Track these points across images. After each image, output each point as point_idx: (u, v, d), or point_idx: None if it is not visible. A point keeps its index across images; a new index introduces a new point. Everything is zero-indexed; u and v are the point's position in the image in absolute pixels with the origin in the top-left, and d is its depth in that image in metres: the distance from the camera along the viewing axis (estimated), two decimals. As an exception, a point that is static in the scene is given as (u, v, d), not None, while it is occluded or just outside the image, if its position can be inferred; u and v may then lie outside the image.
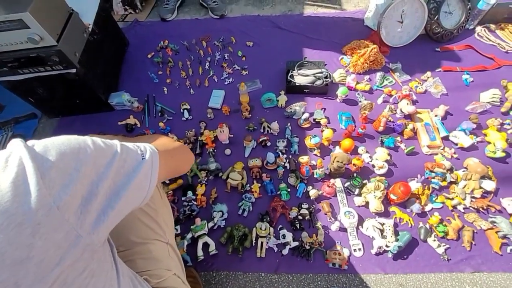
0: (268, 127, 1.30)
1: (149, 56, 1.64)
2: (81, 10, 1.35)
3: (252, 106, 1.40)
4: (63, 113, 1.46)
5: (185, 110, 1.39)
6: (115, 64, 1.58)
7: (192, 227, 1.05)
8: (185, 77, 1.53)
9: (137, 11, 1.92)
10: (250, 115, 1.36)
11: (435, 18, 1.49)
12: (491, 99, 1.30)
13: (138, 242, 0.65)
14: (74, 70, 1.17)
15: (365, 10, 1.71)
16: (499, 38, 1.56)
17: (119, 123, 1.37)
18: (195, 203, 1.12)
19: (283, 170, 1.17)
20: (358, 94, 1.40)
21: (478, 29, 1.58)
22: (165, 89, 1.49)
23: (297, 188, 1.14)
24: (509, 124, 1.24)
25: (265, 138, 1.26)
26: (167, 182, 1.18)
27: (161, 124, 1.31)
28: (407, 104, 1.26)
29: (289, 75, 1.40)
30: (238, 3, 1.93)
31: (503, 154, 1.14)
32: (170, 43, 1.68)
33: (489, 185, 1.07)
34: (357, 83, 1.42)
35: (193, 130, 1.30)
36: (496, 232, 1.00)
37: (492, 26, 1.59)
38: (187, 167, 0.69)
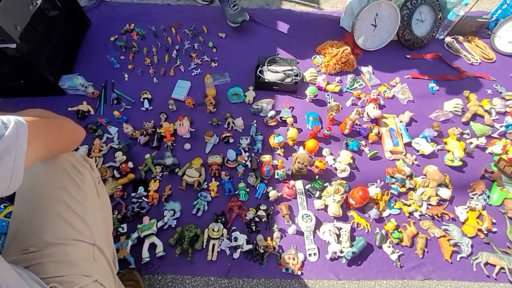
0: (233, 123, 1.24)
1: (112, 39, 1.52)
2: (30, -20, 1.21)
3: (218, 100, 1.33)
4: (6, 93, 1.30)
5: (146, 100, 1.29)
6: (72, 44, 1.43)
7: (139, 226, 0.97)
8: (150, 64, 1.43)
9: (103, -11, 1.77)
10: (215, 110, 1.29)
11: (407, 25, 1.49)
12: (453, 108, 1.33)
13: (53, 242, 0.56)
14: (14, 46, 1.04)
15: (342, 11, 1.70)
16: (465, 50, 1.60)
17: (70, 109, 1.24)
18: (146, 200, 1.04)
19: (243, 168, 1.11)
20: (328, 95, 1.38)
21: (448, 39, 1.62)
22: (126, 75, 1.38)
23: (257, 188, 1.09)
24: (468, 134, 1.27)
25: (228, 134, 1.19)
26: (117, 176, 1.09)
27: (116, 113, 1.20)
28: (374, 108, 1.25)
29: (258, 70, 1.35)
30: (215, -8, 1.84)
31: (460, 163, 1.16)
32: (136, 27, 1.56)
33: (445, 193, 1.08)
34: (328, 83, 1.40)
35: (152, 121, 1.21)
36: (448, 240, 1.01)
37: (460, 38, 1.63)
38: (71, 143, 0.62)
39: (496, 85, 1.44)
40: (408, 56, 1.55)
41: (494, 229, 1.04)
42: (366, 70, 1.46)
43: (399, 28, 1.50)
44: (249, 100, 1.32)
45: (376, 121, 1.30)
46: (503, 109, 1.34)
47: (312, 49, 1.55)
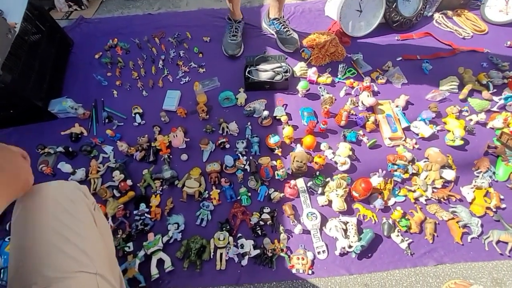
0: (227, 127, 1.22)
1: (97, 56, 1.50)
2: (6, 9, 1.20)
3: (210, 106, 1.31)
4: (-3, 125, 1.30)
5: (137, 114, 1.28)
6: (57, 67, 1.42)
7: (144, 243, 0.96)
8: (137, 78, 1.41)
9: (83, 7, 1.75)
10: (208, 116, 1.28)
11: (393, 6, 1.46)
12: (449, 86, 1.30)
13: (55, 277, 0.56)
14: (-3, 77, 1.03)
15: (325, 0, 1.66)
16: (456, 24, 1.56)
17: (62, 133, 1.23)
18: (148, 216, 1.03)
19: (243, 173, 1.10)
20: (320, 87, 1.35)
21: (436, 16, 1.58)
22: (115, 92, 1.36)
23: (258, 191, 1.07)
24: (467, 111, 1.24)
25: (224, 140, 1.18)
26: (117, 195, 1.08)
27: (109, 132, 1.19)
28: (368, 96, 1.23)
29: (247, 71, 1.32)
30: (195, -4, 1.82)
31: (462, 142, 1.14)
32: (120, 41, 1.54)
33: (449, 174, 1.06)
34: (319, 76, 1.37)
35: (146, 135, 1.20)
36: (457, 222, 0.99)
37: (449, 13, 1.59)
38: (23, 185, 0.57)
39: (491, 57, 1.41)
40: (398, 38, 1.52)
41: (503, 206, 1.02)
42: (356, 57, 1.43)
43: (385, 10, 1.47)
44: (241, 103, 1.30)
45: (371, 109, 1.27)
46: (500, 81, 1.31)
47: (299, 42, 1.52)
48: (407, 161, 1.10)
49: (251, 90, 1.34)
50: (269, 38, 1.56)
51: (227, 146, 1.19)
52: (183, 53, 1.49)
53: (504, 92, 1.23)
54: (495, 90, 1.29)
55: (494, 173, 1.09)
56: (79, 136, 1.24)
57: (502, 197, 1.04)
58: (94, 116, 1.30)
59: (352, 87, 1.34)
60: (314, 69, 1.36)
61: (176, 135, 1.14)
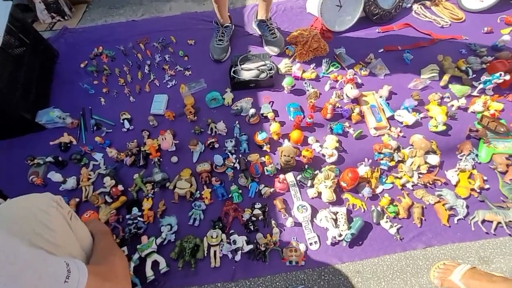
0: (215, 127, 1.23)
1: (82, 65, 1.51)
2: (-14, 22, 1.20)
3: (198, 107, 1.32)
4: (-14, 139, 1.29)
5: (125, 120, 1.28)
6: (43, 78, 1.42)
7: (138, 246, 0.97)
8: (124, 84, 1.42)
9: (66, 17, 1.75)
10: (196, 118, 1.29)
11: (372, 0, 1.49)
12: (430, 74, 1.33)
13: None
14: (-19, 91, 1.03)
15: (306, -3, 1.69)
16: (434, 14, 1.60)
17: (51, 143, 1.23)
18: (141, 219, 1.04)
19: (233, 171, 1.12)
20: (305, 83, 1.38)
21: (415, 6, 1.62)
22: (102, 99, 1.37)
23: (249, 188, 1.09)
24: (448, 97, 1.27)
25: (212, 140, 1.19)
26: (109, 201, 1.09)
27: (98, 139, 1.20)
28: (351, 88, 1.25)
29: (232, 71, 1.34)
30: (178, 0, 1.83)
31: (445, 128, 1.17)
32: (105, 49, 1.55)
33: (434, 159, 1.09)
34: (304, 71, 1.40)
35: (135, 140, 1.21)
36: (443, 205, 1.02)
37: (428, 3, 1.63)
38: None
39: (469, 44, 1.45)
40: (379, 30, 1.55)
41: (487, 186, 1.05)
42: (339, 51, 1.46)
43: (365, 4, 1.50)
44: (228, 102, 1.32)
45: (356, 100, 1.30)
46: (479, 66, 1.34)
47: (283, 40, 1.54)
48: (392, 149, 1.13)
49: (237, 89, 1.36)
50: (254, 37, 1.58)
51: (216, 145, 1.20)
52: (168, 57, 1.50)
53: (483, 77, 1.26)
54: (474, 75, 1.32)
55: (476, 155, 1.12)
56: (68, 145, 1.25)
57: (485, 178, 1.07)
58: (82, 124, 1.31)
59: (336, 81, 1.36)
60: (298, 65, 1.39)
61: (165, 138, 1.15)
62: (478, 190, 1.04)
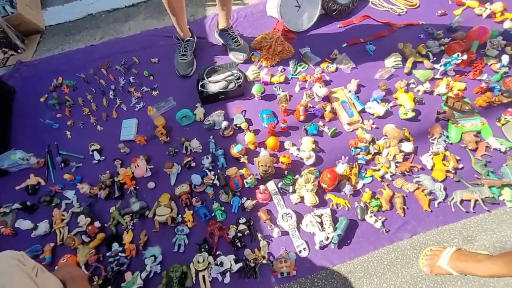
0: (190, 146, 1.20)
1: (42, 99, 1.43)
2: None
3: (170, 127, 1.29)
4: None
5: (95, 151, 1.23)
6: (0, 119, 1.34)
7: (122, 284, 0.92)
8: (89, 113, 1.36)
9: (19, 51, 1.66)
10: (169, 138, 1.25)
11: (329, -4, 1.51)
12: (394, 63, 1.35)
13: None
14: None
15: (265, 0, 1.68)
16: (390, 3, 1.63)
17: (17, 187, 1.16)
18: (123, 254, 0.99)
19: (212, 188, 1.09)
20: (275, 87, 1.37)
21: (371, -2, 1.65)
22: (68, 133, 1.31)
23: (231, 203, 1.07)
24: (414, 83, 1.30)
25: (188, 159, 1.16)
26: (87, 240, 1.03)
27: (67, 176, 1.14)
28: (320, 87, 1.25)
29: (200, 85, 1.31)
30: (136, 19, 1.78)
31: (414, 114, 1.19)
32: (64, 79, 1.48)
33: (408, 146, 1.11)
34: (272, 76, 1.39)
35: (108, 171, 1.16)
36: (422, 191, 1.04)
37: (383, -7, 1.66)
38: None
39: (426, 28, 1.49)
40: (340, 25, 1.57)
41: (461, 166, 1.08)
42: (304, 51, 1.46)
43: (322, 1, 1.51)
44: (200, 118, 1.29)
45: (327, 98, 1.31)
46: (438, 49, 1.38)
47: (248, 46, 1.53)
48: (367, 142, 1.14)
49: (207, 103, 1.33)
50: (219, 47, 1.56)
51: (193, 164, 1.17)
52: (133, 79, 1.45)
53: (443, 59, 1.30)
54: (435, 58, 1.36)
55: (447, 137, 1.15)
56: (36, 187, 1.18)
57: (458, 158, 1.10)
58: (49, 162, 1.24)
59: (305, 81, 1.36)
60: (266, 70, 1.38)
61: (138, 165, 1.11)
62: (453, 171, 1.07)
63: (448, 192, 1.03)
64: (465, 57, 1.25)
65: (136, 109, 1.36)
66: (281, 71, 1.42)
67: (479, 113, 1.18)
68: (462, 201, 1.01)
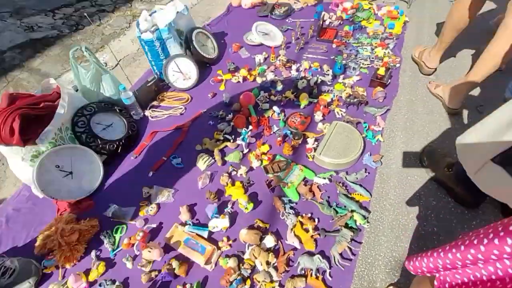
0: None
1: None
2: None
3: None
4: None
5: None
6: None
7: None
8: None
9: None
10: None
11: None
12: (205, 164, 1.30)
13: None
14: None
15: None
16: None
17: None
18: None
19: None
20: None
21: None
22: None
23: None
24: (234, 170, 1.27)
25: None
26: None
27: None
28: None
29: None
30: None
31: (252, 204, 1.13)
32: None
33: (270, 241, 1.02)
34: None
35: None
36: (311, 275, 0.95)
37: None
38: None
39: (210, 113, 1.56)
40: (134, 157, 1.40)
41: (316, 221, 1.09)
42: (112, 211, 1.18)
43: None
44: None
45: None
46: (229, 127, 1.45)
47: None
48: (236, 273, 0.96)
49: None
50: None
51: None
52: None
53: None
54: (232, 136, 1.40)
55: (289, 200, 1.16)
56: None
57: (309, 215, 1.10)
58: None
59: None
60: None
61: None
62: (316, 232, 1.05)
63: (328, 254, 1.00)
64: (251, 127, 1.34)
65: None
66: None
67: (294, 161, 1.27)
68: (341, 255, 0.99)
